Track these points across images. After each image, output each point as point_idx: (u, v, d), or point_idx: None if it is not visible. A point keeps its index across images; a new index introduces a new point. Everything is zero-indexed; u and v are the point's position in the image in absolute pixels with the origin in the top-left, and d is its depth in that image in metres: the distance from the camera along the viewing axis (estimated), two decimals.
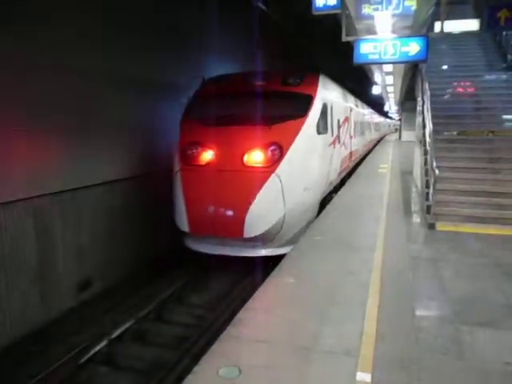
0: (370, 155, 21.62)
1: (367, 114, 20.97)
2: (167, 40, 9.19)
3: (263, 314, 4.14)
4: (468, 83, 12.24)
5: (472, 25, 7.36)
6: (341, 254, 6.10)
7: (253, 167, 6.96)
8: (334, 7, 6.12)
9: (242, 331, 3.81)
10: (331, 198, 9.95)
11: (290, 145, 7.12)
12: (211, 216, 6.80)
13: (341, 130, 10.95)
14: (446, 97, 11.86)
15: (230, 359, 3.35)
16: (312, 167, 7.97)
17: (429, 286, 5.01)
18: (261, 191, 6.74)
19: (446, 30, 6.78)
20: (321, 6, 6.16)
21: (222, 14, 11.43)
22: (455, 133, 10.12)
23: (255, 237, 6.76)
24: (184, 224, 7.05)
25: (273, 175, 6.84)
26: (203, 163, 7.23)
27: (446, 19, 6.81)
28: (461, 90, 12.12)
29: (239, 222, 6.65)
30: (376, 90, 22.87)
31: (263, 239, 6.98)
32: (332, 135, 9.50)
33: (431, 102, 10.45)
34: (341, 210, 9.10)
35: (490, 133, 9.87)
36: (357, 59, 6.94)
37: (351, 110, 13.49)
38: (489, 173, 8.84)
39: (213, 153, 7.19)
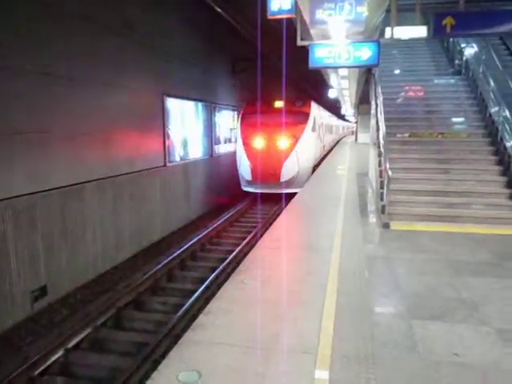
0: (329, 156, 22.63)
1: (333, 120, 29.50)
2: None
3: (223, 317, 4.13)
4: (419, 87, 12.74)
5: (420, 31, 7.66)
6: (300, 254, 6.20)
7: (283, 148, 14.06)
8: (288, 12, 6.21)
9: (202, 335, 3.79)
10: (318, 165, 17.47)
11: (300, 137, 14.29)
12: (263, 171, 13.57)
13: (320, 130, 18.57)
14: (398, 100, 12.28)
15: (190, 364, 3.32)
16: (310, 148, 15.11)
17: (384, 284, 5.17)
18: (287, 159, 13.89)
19: (396, 36, 7.02)
20: (276, 10, 6.24)
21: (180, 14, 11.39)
22: (407, 135, 10.50)
23: (285, 181, 13.81)
24: (249, 176, 14.13)
25: (293, 151, 14.00)
26: (257, 146, 14.17)
27: (396, 25, 7.04)
28: (412, 93, 12.59)
29: (278, 173, 13.78)
30: (332, 94, 23.58)
31: (287, 183, 13.92)
32: (318, 133, 17.05)
33: (384, 106, 10.81)
34: (300, 211, 9.28)
35: (439, 135, 10.31)
36: (312, 63, 7.06)
37: (324, 118, 21.06)
38: (439, 173, 9.24)
39: (261, 141, 14.19)
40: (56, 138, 7.18)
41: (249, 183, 14.48)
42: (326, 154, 22.76)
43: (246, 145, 14.39)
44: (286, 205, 9.89)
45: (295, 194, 11.47)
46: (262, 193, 14.17)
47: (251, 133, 14.43)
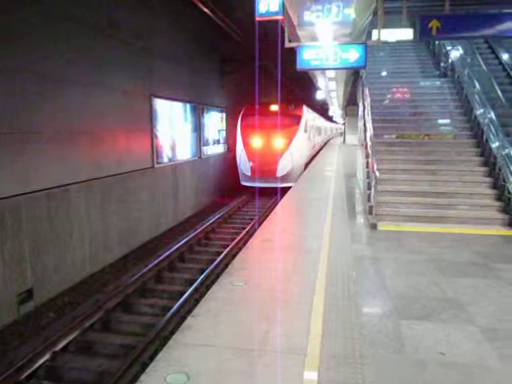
0: (318, 157, 22.98)
1: (322, 122, 30.94)
2: None
3: (212, 319, 4.12)
4: (406, 89, 12.87)
5: (407, 34, 7.76)
6: (288, 255, 6.22)
7: (278, 147, 15.54)
8: (276, 13, 6.25)
9: (190, 337, 3.78)
10: (309, 163, 19.20)
11: (294, 137, 15.88)
12: (261, 168, 15.03)
13: (311, 131, 20.47)
14: (385, 102, 12.40)
15: (178, 366, 3.31)
16: (302, 147, 16.85)
17: (371, 284, 5.21)
18: (282, 157, 15.37)
19: (382, 38, 7.09)
20: (263, 12, 6.27)
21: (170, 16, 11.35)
22: (394, 136, 10.61)
23: (280, 176, 15.32)
24: (248, 172, 15.65)
25: (287, 150, 15.54)
26: (255, 146, 15.66)
27: (383, 28, 7.12)
28: (399, 95, 12.72)
29: (274, 169, 15.28)
30: (320, 96, 23.86)
31: (282, 178, 15.44)
32: (309, 134, 19.04)
33: (371, 107, 10.90)
34: (289, 212, 9.31)
35: (426, 136, 10.43)
36: (300, 65, 7.11)
37: (314, 121, 22.94)
38: (426, 174, 9.35)
39: (259, 141, 15.70)
40: (42, 138, 7.10)
41: (248, 178, 16.00)
42: (316, 153, 24.69)
43: (246, 144, 16.00)
44: (276, 204, 10.48)
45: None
46: (259, 188, 15.39)
47: (250, 133, 16.03)
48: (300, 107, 17.36)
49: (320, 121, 28.64)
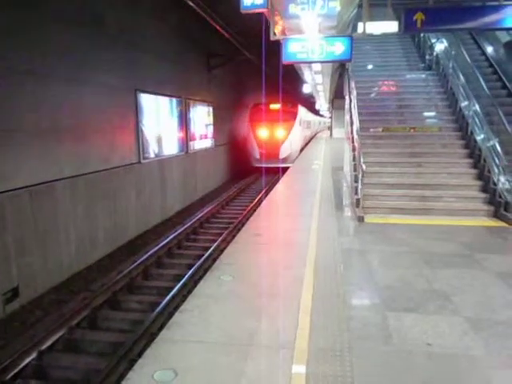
0: (305, 151, 23.66)
1: (311, 117, 34.68)
2: None
3: (199, 315, 4.10)
4: (391, 82, 12.92)
5: (392, 27, 7.77)
6: (276, 249, 6.23)
7: (280, 137, 20.52)
8: (260, 6, 6.20)
9: (178, 333, 3.75)
10: (303, 149, 24.46)
11: (292, 129, 20.92)
12: (267, 152, 20.05)
13: (304, 125, 24.87)
14: (371, 95, 12.43)
15: (166, 362, 3.29)
16: (298, 137, 21.64)
17: (359, 277, 5.24)
18: (283, 145, 20.48)
19: (368, 31, 7.08)
20: (248, 4, 6.21)
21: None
22: (380, 129, 10.65)
23: (282, 158, 20.29)
24: (257, 156, 20.54)
25: (287, 139, 20.61)
26: (262, 135, 20.51)
27: (368, 21, 7.11)
28: (385, 88, 12.76)
29: (277, 153, 20.33)
30: (307, 89, 23.99)
31: (283, 159, 20.29)
32: (302, 127, 23.26)
33: (358, 100, 10.92)
34: (277, 206, 9.31)
35: (411, 129, 10.49)
36: (285, 58, 7.07)
37: (306, 117, 27.24)
38: (411, 166, 9.41)
39: (265, 132, 20.54)
40: (24, 135, 6.97)
41: (257, 160, 20.96)
42: (307, 141, 30.47)
43: (254, 134, 21.01)
44: (266, 195, 10.96)
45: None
46: (265, 168, 19.44)
47: (258, 126, 20.96)
48: (296, 106, 22.51)
49: (310, 116, 33.61)
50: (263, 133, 20.71)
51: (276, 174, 18.01)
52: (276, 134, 20.68)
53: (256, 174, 20.72)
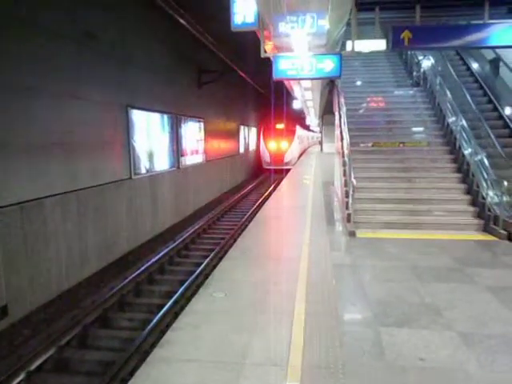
0: (296, 166, 24.09)
1: (305, 133, 43.13)
2: None
3: (191, 332, 4.07)
4: (380, 98, 13.12)
5: (380, 44, 7.91)
6: (268, 264, 6.22)
7: (284, 148, 30.48)
8: (251, 24, 6.30)
9: (170, 352, 3.72)
10: (300, 157, 33.80)
11: (292, 142, 30.86)
12: (275, 158, 30.18)
13: (299, 139, 34.46)
14: (360, 111, 12.59)
15: (158, 381, 3.26)
16: (296, 148, 31.86)
17: (351, 292, 5.25)
18: (286, 152, 30.40)
19: (356, 49, 7.22)
20: (239, 23, 6.32)
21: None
22: (370, 144, 10.77)
23: (285, 162, 29.76)
24: (268, 160, 30.46)
25: (289, 149, 30.57)
26: (272, 147, 30.64)
27: (357, 39, 7.25)
28: (373, 104, 12.95)
29: (282, 159, 30.11)
30: (297, 105, 24.31)
31: (286, 163, 29.49)
32: (299, 141, 33.84)
33: (347, 116, 11.05)
34: (268, 221, 9.32)
35: (400, 144, 10.63)
36: (276, 75, 7.17)
37: (301, 134, 36.20)
38: (401, 181, 9.50)
39: (274, 144, 30.56)
40: (11, 150, 6.92)
41: (268, 164, 29.96)
42: (302, 151, 38.83)
43: (266, 146, 30.27)
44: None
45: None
46: (273, 170, 28.68)
47: (268, 139, 30.27)
48: (295, 126, 31.51)
49: (304, 133, 43.26)
50: (272, 145, 30.23)
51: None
52: (280, 146, 30.12)
53: (246, 191, 21.05)
